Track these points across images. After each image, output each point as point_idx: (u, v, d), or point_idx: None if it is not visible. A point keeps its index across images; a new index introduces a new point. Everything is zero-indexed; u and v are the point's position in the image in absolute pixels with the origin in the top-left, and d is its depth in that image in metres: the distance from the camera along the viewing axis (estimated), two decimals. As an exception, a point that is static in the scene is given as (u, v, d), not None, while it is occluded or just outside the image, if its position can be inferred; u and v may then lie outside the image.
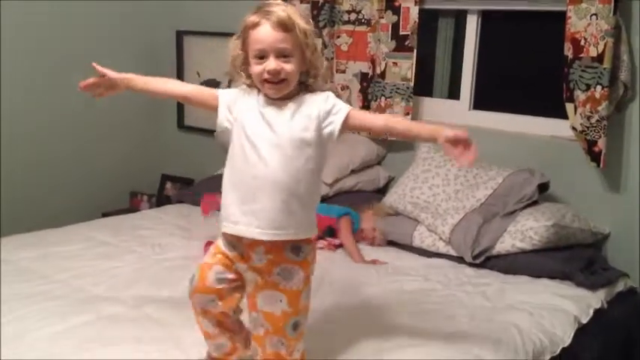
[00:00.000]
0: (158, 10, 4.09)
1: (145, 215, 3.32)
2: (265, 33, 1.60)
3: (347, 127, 1.69)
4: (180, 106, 4.16)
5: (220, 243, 1.76)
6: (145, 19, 4.04)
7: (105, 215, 3.66)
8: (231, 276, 1.73)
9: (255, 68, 1.63)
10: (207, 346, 1.84)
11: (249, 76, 1.69)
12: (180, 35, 4.06)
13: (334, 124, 1.66)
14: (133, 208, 3.98)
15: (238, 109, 1.70)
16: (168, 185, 4.14)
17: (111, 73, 1.85)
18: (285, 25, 1.60)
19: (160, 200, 4.05)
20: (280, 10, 1.61)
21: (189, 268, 2.41)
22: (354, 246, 2.79)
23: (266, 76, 1.62)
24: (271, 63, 1.60)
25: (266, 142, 1.64)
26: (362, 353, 1.91)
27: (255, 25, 1.62)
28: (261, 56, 1.62)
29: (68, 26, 3.69)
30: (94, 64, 1.85)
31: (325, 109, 1.67)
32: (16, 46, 3.46)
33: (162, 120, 4.25)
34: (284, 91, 1.65)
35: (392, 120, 1.82)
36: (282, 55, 1.61)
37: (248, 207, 1.65)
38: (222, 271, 1.73)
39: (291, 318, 1.68)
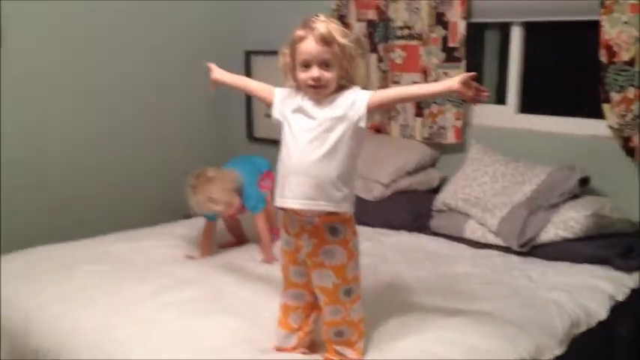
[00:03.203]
0: (227, 31, 4.50)
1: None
2: (310, 46, 1.92)
3: (371, 108, 1.96)
4: (250, 118, 4.56)
5: (282, 243, 2.11)
6: (215, 40, 4.43)
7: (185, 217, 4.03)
8: (302, 268, 2.06)
9: (302, 75, 1.95)
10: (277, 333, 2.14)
11: (295, 79, 2.01)
12: (248, 55, 4.45)
13: (360, 109, 1.95)
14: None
15: (286, 105, 2.04)
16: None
17: (211, 74, 2.33)
18: (326, 40, 1.90)
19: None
20: (323, 27, 1.91)
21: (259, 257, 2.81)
22: (269, 241, 2.91)
23: (310, 82, 1.94)
24: (315, 71, 1.92)
25: (301, 128, 1.97)
26: (420, 320, 2.21)
27: (302, 38, 1.93)
28: (306, 65, 1.94)
29: (144, 49, 4.12)
30: (209, 64, 2.35)
31: (352, 98, 1.97)
32: (97, 65, 3.92)
33: (233, 132, 4.65)
34: (324, 93, 1.96)
35: (407, 90, 2.08)
36: (323, 64, 1.92)
37: (286, 182, 1.98)
38: (295, 267, 2.08)
39: (342, 287, 2.00)
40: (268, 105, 2.13)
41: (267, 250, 2.88)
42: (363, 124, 1.96)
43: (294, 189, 1.96)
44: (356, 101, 1.96)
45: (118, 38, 3.97)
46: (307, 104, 1.99)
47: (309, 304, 2.11)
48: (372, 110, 1.97)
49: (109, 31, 3.92)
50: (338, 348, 2.03)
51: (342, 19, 3.81)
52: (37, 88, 3.65)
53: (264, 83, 2.22)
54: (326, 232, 1.98)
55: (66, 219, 3.78)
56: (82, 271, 2.65)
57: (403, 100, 1.96)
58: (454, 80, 1.91)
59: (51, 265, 2.70)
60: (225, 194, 2.81)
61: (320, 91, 1.96)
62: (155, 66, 4.19)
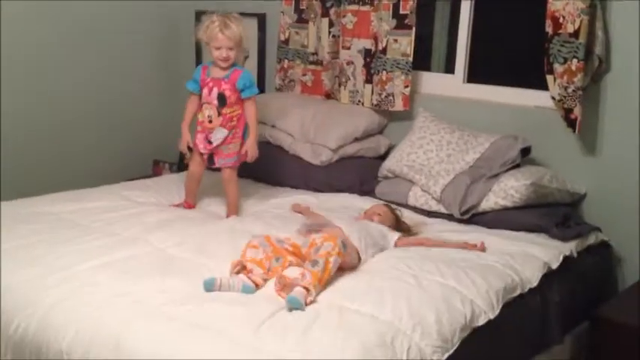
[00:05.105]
0: (178, -10, 4.43)
1: (168, 179, 3.66)
2: None
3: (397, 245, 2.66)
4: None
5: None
6: (166, 1, 4.37)
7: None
8: None
9: None
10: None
11: None
12: (199, 15, 4.37)
13: (388, 244, 2.65)
14: (155, 175, 4.31)
15: None
16: (188, 154, 4.46)
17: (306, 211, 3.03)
18: None
19: (181, 168, 4.38)
20: None
21: (208, 219, 2.80)
22: (256, 136, 3.11)
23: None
24: None
25: None
26: (356, 282, 2.25)
27: None
28: None
29: (91, 5, 4.04)
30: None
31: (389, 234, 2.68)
32: (46, 17, 3.85)
33: (183, 97, 4.58)
34: None
35: (428, 241, 2.71)
36: None
37: None
38: None
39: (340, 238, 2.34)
40: None
41: (254, 140, 3.09)
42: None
43: None
44: (390, 239, 2.67)
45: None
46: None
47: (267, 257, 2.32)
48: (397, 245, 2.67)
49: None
50: (305, 271, 2.16)
51: (294, -18, 3.79)
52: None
53: None
54: None
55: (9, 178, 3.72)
56: (22, 230, 2.60)
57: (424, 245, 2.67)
58: (477, 246, 2.65)
59: (-12, 223, 2.64)
60: (238, 32, 2.97)
61: None
62: (103, 26, 4.09)
